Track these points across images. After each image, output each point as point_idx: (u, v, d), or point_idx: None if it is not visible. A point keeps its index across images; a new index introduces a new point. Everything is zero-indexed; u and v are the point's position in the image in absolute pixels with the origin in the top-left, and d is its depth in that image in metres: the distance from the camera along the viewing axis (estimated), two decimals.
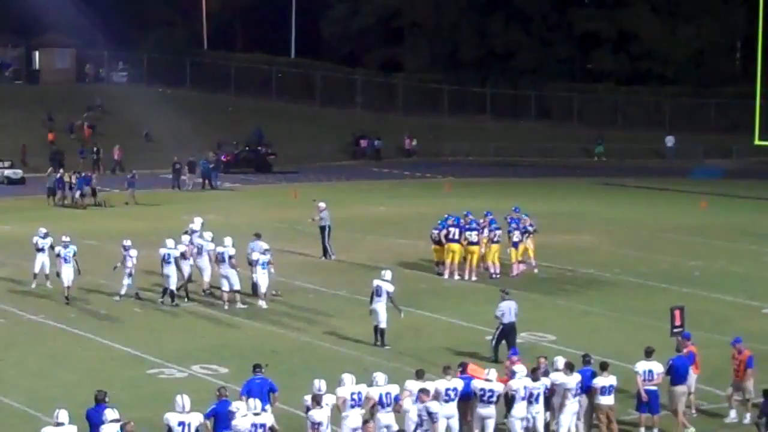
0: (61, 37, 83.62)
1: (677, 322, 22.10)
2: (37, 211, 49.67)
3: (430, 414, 17.99)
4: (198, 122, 70.33)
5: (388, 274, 26.56)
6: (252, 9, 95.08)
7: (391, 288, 26.18)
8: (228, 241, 30.66)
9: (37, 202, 52.09)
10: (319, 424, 17.68)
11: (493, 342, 24.98)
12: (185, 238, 31.60)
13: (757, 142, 56.24)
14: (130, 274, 30.44)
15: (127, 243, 30.77)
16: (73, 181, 52.55)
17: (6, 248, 34.18)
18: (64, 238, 31.12)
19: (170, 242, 30.34)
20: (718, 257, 39.21)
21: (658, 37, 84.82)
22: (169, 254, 30.00)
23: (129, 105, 75.55)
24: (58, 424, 16.42)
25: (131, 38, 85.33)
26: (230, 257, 30.22)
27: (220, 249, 30.50)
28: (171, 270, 29.96)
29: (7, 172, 60.29)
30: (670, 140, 76.77)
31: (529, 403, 19.27)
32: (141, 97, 77.61)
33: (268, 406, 18.37)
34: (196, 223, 33.00)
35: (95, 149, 65.77)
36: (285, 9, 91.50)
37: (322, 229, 37.66)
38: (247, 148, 68.22)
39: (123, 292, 30.39)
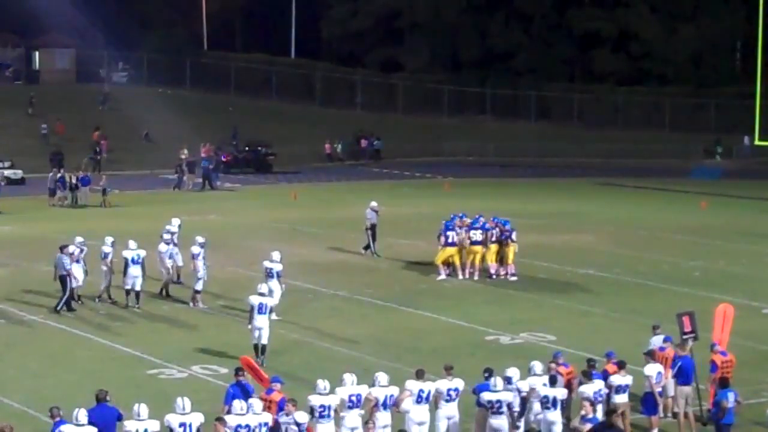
0: (61, 37, 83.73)
1: (687, 329, 22.02)
2: (38, 211, 49.68)
3: (297, 425, 17.64)
4: (198, 122, 70.36)
5: (263, 288, 25.82)
6: (252, 9, 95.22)
7: (273, 302, 25.64)
8: (199, 239, 30.63)
9: (38, 202, 52.07)
10: (355, 428, 18.33)
11: None
12: (167, 237, 31.63)
13: (757, 142, 56.27)
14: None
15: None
16: (74, 181, 52.60)
17: (6, 248, 34.19)
18: (78, 239, 31.22)
19: (132, 243, 30.36)
20: (718, 257, 39.20)
21: (658, 37, 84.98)
22: (138, 255, 29.95)
23: (129, 105, 75.66)
24: (78, 425, 16.49)
25: (131, 38, 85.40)
26: (200, 256, 30.23)
27: (194, 249, 30.52)
28: (137, 271, 29.91)
29: (7, 172, 60.25)
30: (747, 139, 75.25)
31: (546, 408, 19.12)
32: (141, 97, 77.77)
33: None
34: (173, 224, 33.05)
35: (96, 149, 65.65)
36: (285, 9, 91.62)
37: (374, 227, 38.18)
38: (246, 148, 68.25)
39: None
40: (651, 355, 20.94)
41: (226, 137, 70.21)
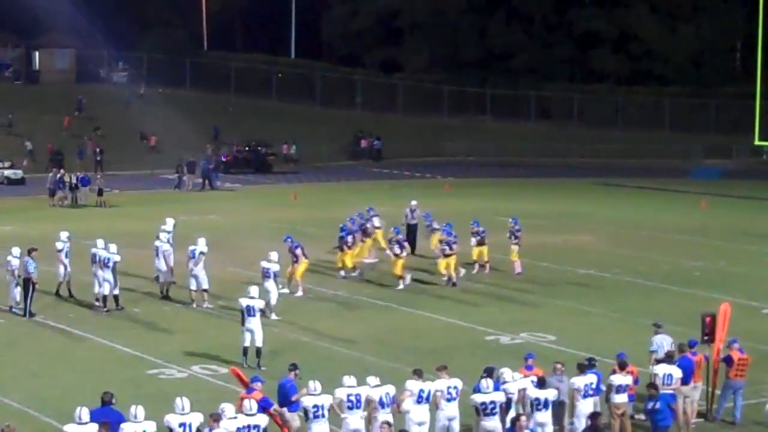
0: (61, 37, 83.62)
1: (707, 330, 21.99)
2: (38, 211, 49.69)
3: None
4: (198, 122, 70.34)
5: (254, 290, 25.30)
6: (252, 9, 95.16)
7: (261, 304, 25.37)
8: (201, 241, 30.56)
9: (38, 202, 52.09)
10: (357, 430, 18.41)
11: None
12: (163, 236, 31.61)
13: (757, 142, 56.28)
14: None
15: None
16: (74, 181, 52.61)
17: (6, 249, 33.96)
18: (63, 235, 31.25)
19: (113, 247, 29.89)
20: (718, 257, 39.20)
21: (658, 37, 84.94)
22: (108, 258, 29.62)
23: (129, 105, 75.73)
24: (81, 423, 16.51)
25: (131, 38, 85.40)
26: (201, 254, 30.10)
27: (192, 247, 30.41)
28: (109, 275, 29.57)
29: (7, 172, 60.27)
30: None
31: (538, 410, 19.05)
32: (141, 97, 77.82)
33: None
34: (168, 224, 33.00)
35: (97, 150, 65.59)
36: (285, 9, 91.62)
37: (412, 227, 38.23)
38: (247, 148, 68.26)
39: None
40: (667, 358, 20.84)
41: (223, 137, 70.08)
